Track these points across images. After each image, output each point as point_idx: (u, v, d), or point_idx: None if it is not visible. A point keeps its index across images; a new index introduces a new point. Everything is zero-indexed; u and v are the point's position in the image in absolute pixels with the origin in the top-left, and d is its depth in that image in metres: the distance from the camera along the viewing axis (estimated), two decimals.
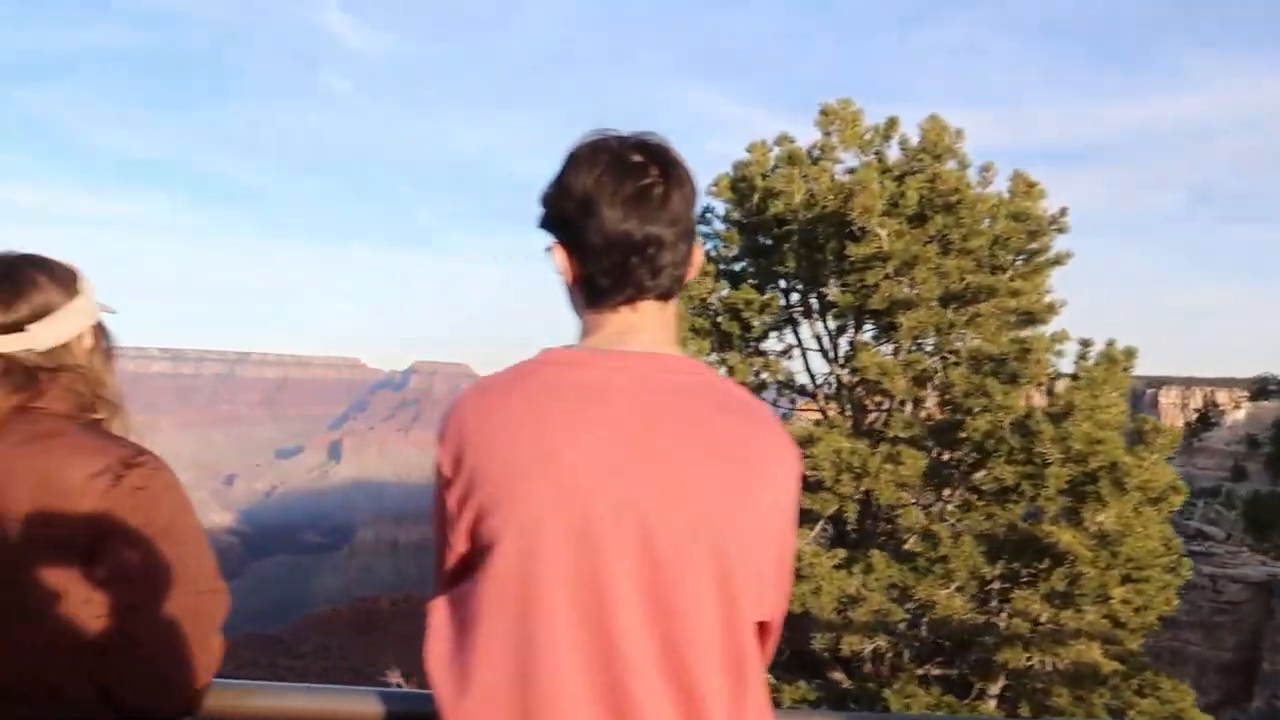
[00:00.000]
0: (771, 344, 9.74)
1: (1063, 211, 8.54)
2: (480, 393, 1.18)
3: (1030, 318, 8.50)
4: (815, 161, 9.10)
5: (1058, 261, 8.59)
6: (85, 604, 1.29)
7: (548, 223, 1.25)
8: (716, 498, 1.01)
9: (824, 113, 8.95)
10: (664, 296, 1.19)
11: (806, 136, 9.28)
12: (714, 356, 9.10)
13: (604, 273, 1.17)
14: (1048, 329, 8.32)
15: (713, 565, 0.99)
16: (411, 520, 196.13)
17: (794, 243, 8.75)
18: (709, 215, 9.73)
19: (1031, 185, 8.44)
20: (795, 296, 9.50)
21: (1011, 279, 8.25)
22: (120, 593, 1.32)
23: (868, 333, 9.17)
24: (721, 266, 9.40)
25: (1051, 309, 8.46)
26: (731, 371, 8.97)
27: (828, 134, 8.92)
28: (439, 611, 1.20)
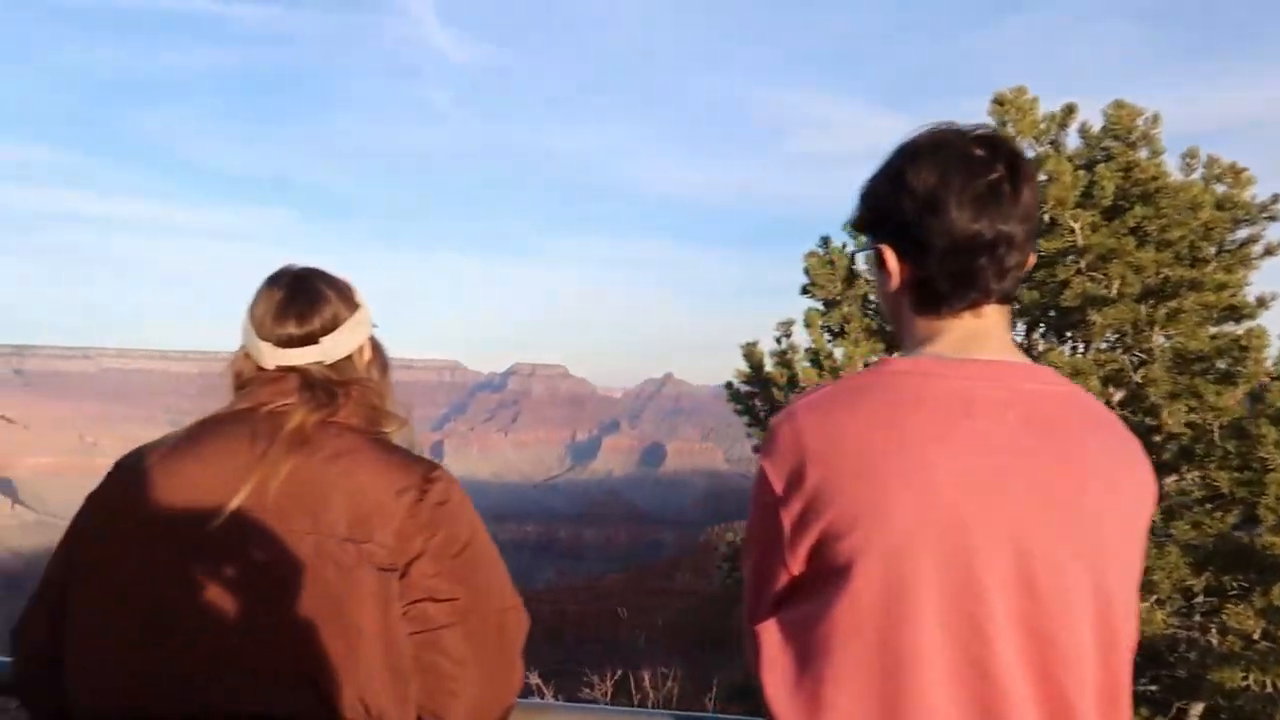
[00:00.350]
0: None
1: (1275, 199, 7.96)
2: (817, 405, 1.11)
3: (1234, 313, 7.94)
4: None
5: (1269, 253, 8.01)
6: (400, 624, 1.27)
7: (873, 223, 1.18)
8: (1096, 520, 0.94)
9: (998, 101, 8.56)
10: (1005, 299, 1.14)
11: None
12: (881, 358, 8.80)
13: (947, 276, 1.10)
14: (1254, 324, 7.76)
15: (1093, 593, 0.93)
16: (511, 519, 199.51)
17: None
18: None
19: (1239, 171, 7.89)
20: None
21: (1215, 272, 7.72)
22: (432, 612, 1.30)
23: (1047, 331, 8.74)
24: None
25: (1262, 303, 7.87)
26: None
27: (1003, 123, 8.51)
28: (772, 636, 1.11)
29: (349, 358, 1.45)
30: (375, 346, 1.53)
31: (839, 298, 8.81)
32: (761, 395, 9.07)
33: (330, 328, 1.42)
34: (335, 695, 1.23)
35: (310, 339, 1.41)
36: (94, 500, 1.38)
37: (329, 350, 1.42)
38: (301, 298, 1.42)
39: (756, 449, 9.47)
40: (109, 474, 1.40)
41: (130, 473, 1.36)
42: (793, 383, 8.29)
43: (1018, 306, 8.73)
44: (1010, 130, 8.61)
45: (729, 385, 9.59)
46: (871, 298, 8.63)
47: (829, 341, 8.60)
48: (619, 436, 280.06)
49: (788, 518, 1.09)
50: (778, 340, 8.92)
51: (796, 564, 1.10)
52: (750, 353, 9.35)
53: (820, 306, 9.21)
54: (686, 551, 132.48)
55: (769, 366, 9.08)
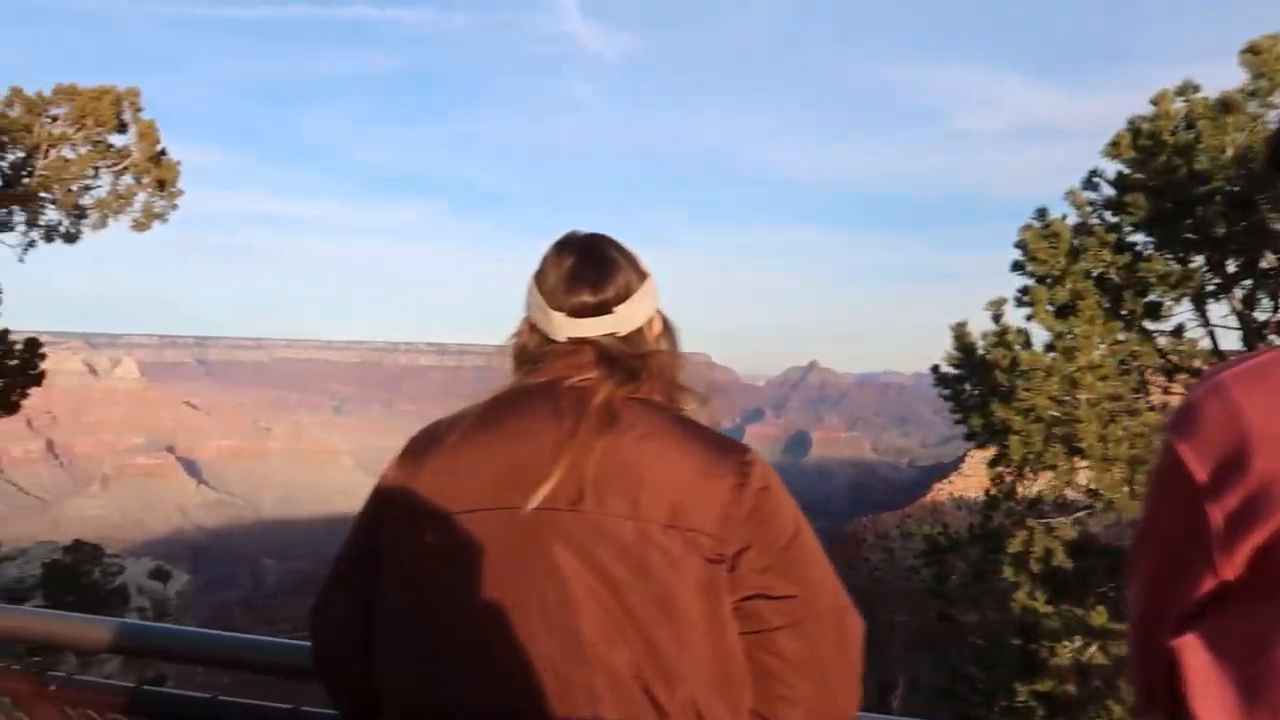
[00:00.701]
0: (1168, 322, 8.55)
1: None
2: (1262, 375, 0.94)
3: None
4: (1228, 111, 7.84)
5: None
6: (731, 622, 1.16)
7: None
8: None
9: (1252, 51, 7.68)
10: None
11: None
12: (1112, 338, 8.06)
13: None
14: None
15: None
16: None
17: (1217, 205, 7.55)
18: (1096, 179, 8.69)
19: None
20: (1204, 266, 8.26)
21: None
22: (765, 611, 1.18)
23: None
24: (1117, 236, 8.33)
25: None
26: (1134, 356, 7.92)
27: (1259, 75, 7.63)
28: (1200, 657, 0.90)
29: (640, 330, 1.35)
30: (663, 318, 1.42)
31: (1060, 273, 8.14)
32: (974, 379, 8.50)
33: (623, 296, 1.32)
34: (666, 699, 1.11)
35: (604, 308, 1.30)
36: (394, 479, 1.29)
37: (623, 320, 1.32)
38: (593, 265, 1.33)
39: (969, 436, 8.93)
40: (406, 451, 1.31)
41: (432, 451, 1.27)
42: (1014, 366, 7.71)
43: None
44: (1264, 83, 7.73)
45: (935, 369, 9.06)
46: (1106, 274, 7.93)
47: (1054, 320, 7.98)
48: (763, 425, 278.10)
49: (1218, 511, 0.92)
50: (995, 320, 8.33)
51: (1231, 568, 0.93)
52: (960, 334, 8.78)
53: (1032, 283, 8.59)
54: (833, 542, 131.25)
55: (981, 348, 8.51)
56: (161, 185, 9.59)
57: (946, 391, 9.03)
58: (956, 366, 8.78)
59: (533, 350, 1.34)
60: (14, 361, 10.29)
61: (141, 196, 9.62)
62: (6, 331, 10.34)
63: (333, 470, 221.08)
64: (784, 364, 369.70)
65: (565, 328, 1.30)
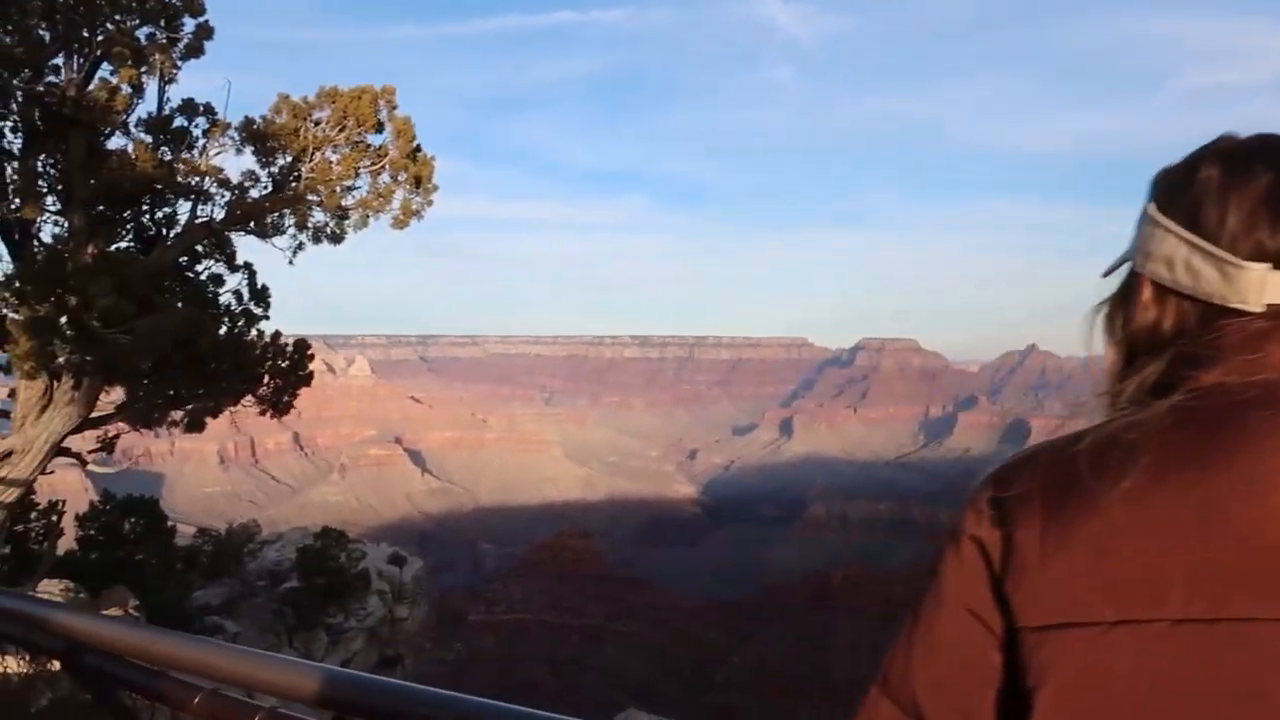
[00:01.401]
0: None
1: None
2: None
3: None
4: None
5: None
6: None
7: None
8: None
9: None
10: None
11: None
12: None
13: None
14: None
15: None
16: (862, 496, 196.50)
17: None
18: None
19: None
20: None
21: None
22: None
23: None
24: None
25: None
26: None
27: None
28: None
29: None
30: None
31: None
32: None
33: None
34: None
35: None
36: (1025, 549, 0.82)
37: None
38: None
39: None
40: (1027, 499, 0.87)
41: (1081, 505, 0.79)
42: None
43: None
44: None
45: None
46: None
47: None
48: (976, 412, 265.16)
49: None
50: None
51: None
52: None
53: None
54: None
55: None
56: (418, 182, 9.81)
57: None
58: None
59: (1177, 328, 0.89)
60: (286, 363, 10.91)
61: (400, 194, 9.84)
62: (278, 334, 11.00)
63: (543, 460, 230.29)
64: (1000, 348, 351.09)
65: (1273, 287, 0.81)
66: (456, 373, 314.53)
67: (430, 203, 9.81)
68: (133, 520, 15.91)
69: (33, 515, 13.62)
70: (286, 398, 10.87)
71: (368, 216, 9.75)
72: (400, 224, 9.70)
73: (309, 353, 11.06)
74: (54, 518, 13.32)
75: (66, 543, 15.45)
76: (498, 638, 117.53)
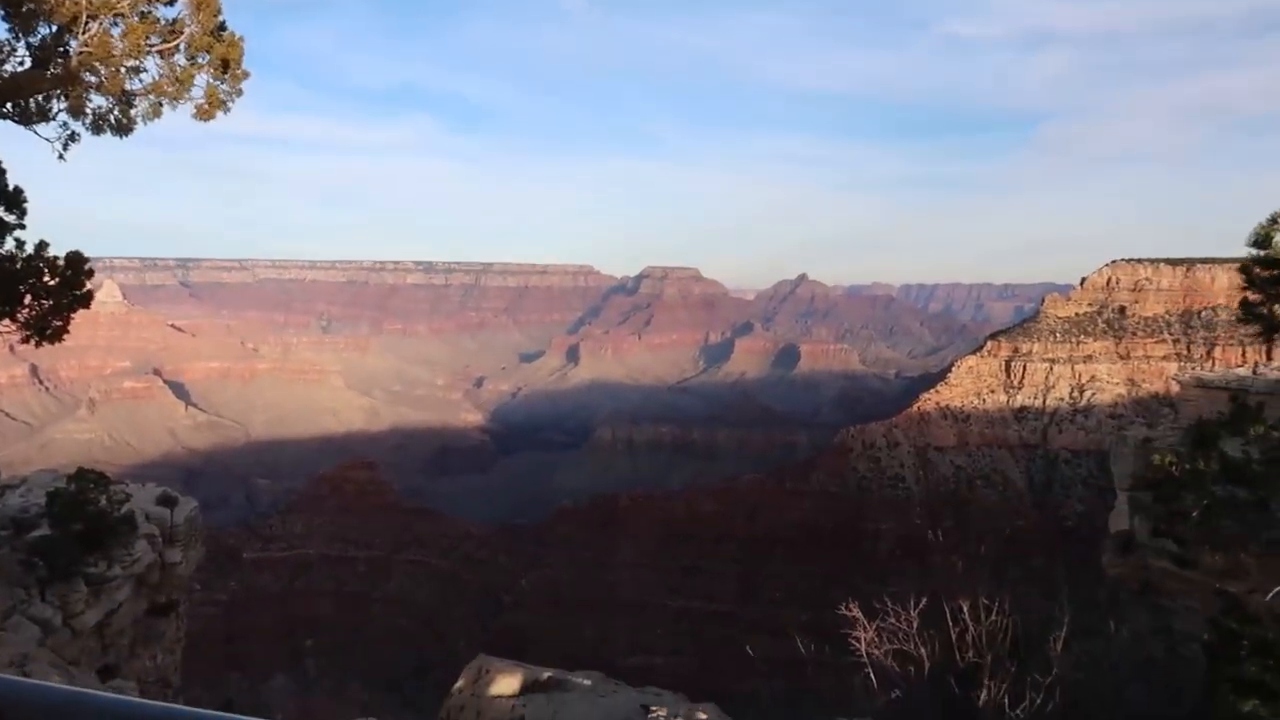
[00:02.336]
0: None
1: None
2: None
3: None
4: None
5: None
6: None
7: None
8: None
9: None
10: None
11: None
12: None
13: None
14: None
15: None
16: (646, 420, 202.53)
17: None
18: None
19: None
20: None
21: None
22: None
23: None
24: None
25: None
26: None
27: None
28: None
29: None
30: None
31: None
32: None
33: None
34: None
35: None
36: None
37: None
38: None
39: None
40: None
41: None
42: None
43: None
44: None
45: (1248, 280, 7.74)
46: None
47: None
48: (752, 338, 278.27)
49: None
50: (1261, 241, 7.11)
51: None
52: (1265, 235, 7.45)
53: None
54: (820, 452, 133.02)
55: None
56: (225, 66, 8.20)
57: (1245, 315, 7.94)
58: (1261, 284, 7.53)
59: None
60: (54, 280, 9.14)
61: (202, 79, 8.23)
62: (44, 244, 9.12)
63: (322, 390, 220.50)
64: (774, 277, 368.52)
65: None
66: (223, 299, 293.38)
67: (240, 92, 8.34)
68: None
69: None
70: (57, 321, 9.19)
71: (160, 104, 8.14)
72: (205, 114, 8.17)
73: (87, 268, 9.29)
74: None
75: None
76: (276, 574, 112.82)
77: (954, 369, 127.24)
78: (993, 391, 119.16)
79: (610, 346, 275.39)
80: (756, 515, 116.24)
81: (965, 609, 11.12)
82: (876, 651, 10.96)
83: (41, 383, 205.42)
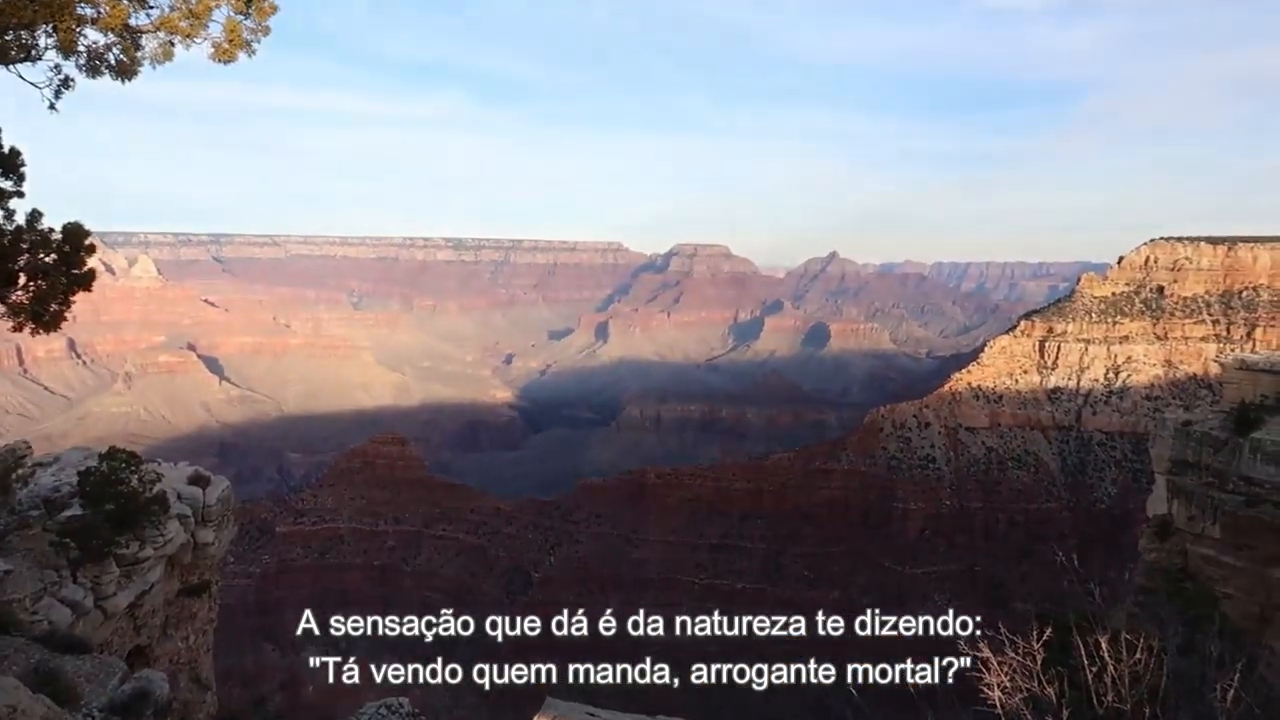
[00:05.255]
0: None
1: None
2: None
3: None
4: None
5: None
6: None
7: None
8: None
9: None
10: None
11: None
12: None
13: None
14: None
15: None
16: (675, 398, 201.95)
17: None
18: None
19: None
20: None
21: None
22: None
23: None
24: None
25: None
26: None
27: None
28: None
29: None
30: None
31: None
32: None
33: None
34: None
35: None
36: None
37: None
38: None
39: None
40: None
41: None
42: None
43: None
44: None
45: None
46: None
47: None
48: (782, 316, 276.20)
49: None
50: None
51: None
52: None
53: None
54: (851, 432, 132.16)
55: None
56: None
57: None
58: None
59: None
60: (52, 257, 7.90)
61: (222, 12, 7.03)
62: (38, 214, 7.86)
63: (353, 365, 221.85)
64: (804, 255, 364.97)
65: None
66: (256, 274, 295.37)
67: (266, 30, 7.12)
68: None
69: None
70: (55, 305, 7.96)
71: (172, 43, 6.99)
72: (225, 55, 7.07)
73: (87, 243, 8.10)
74: None
75: None
76: (308, 547, 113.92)
77: (987, 349, 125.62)
78: (1026, 372, 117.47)
79: (639, 324, 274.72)
80: (785, 493, 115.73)
81: (1104, 644, 9.34)
82: (1005, 695, 9.26)
83: (79, 356, 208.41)
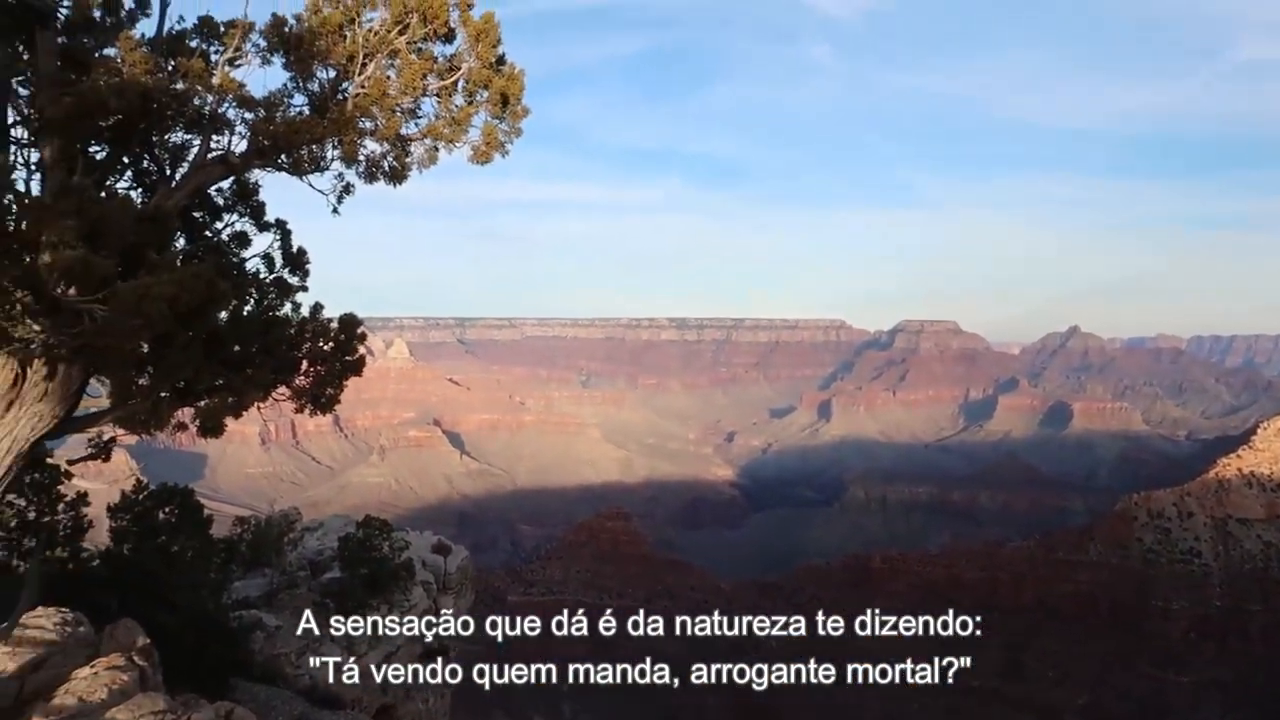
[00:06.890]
0: None
1: None
2: None
3: None
4: None
5: None
6: None
7: None
8: None
9: None
10: None
11: None
12: None
13: None
14: None
15: None
16: (901, 479, 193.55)
17: None
18: None
19: None
20: None
21: None
22: None
23: None
24: None
25: None
26: None
27: None
28: None
29: None
30: None
31: None
32: None
33: None
34: None
35: None
36: None
37: None
38: None
39: None
40: None
41: None
42: None
43: None
44: None
45: None
46: None
47: None
48: (1017, 395, 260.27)
49: None
50: None
51: None
52: None
53: None
54: (1097, 521, 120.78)
55: None
56: (505, 102, 7.47)
57: None
58: None
59: None
60: (329, 345, 8.54)
61: (480, 118, 7.53)
62: (320, 306, 8.60)
63: (581, 442, 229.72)
64: (1041, 330, 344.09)
65: None
66: (494, 355, 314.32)
67: (519, 132, 7.61)
68: (167, 510, 14.84)
69: (60, 508, 12.51)
70: (331, 390, 8.61)
71: (437, 148, 7.59)
72: (483, 157, 7.55)
73: (359, 332, 8.76)
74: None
75: (99, 534, 14.42)
76: (537, 618, 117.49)
77: (1260, 430, 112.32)
78: None
79: (863, 402, 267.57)
80: (1023, 584, 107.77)
81: None
82: None
83: (342, 430, 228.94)
